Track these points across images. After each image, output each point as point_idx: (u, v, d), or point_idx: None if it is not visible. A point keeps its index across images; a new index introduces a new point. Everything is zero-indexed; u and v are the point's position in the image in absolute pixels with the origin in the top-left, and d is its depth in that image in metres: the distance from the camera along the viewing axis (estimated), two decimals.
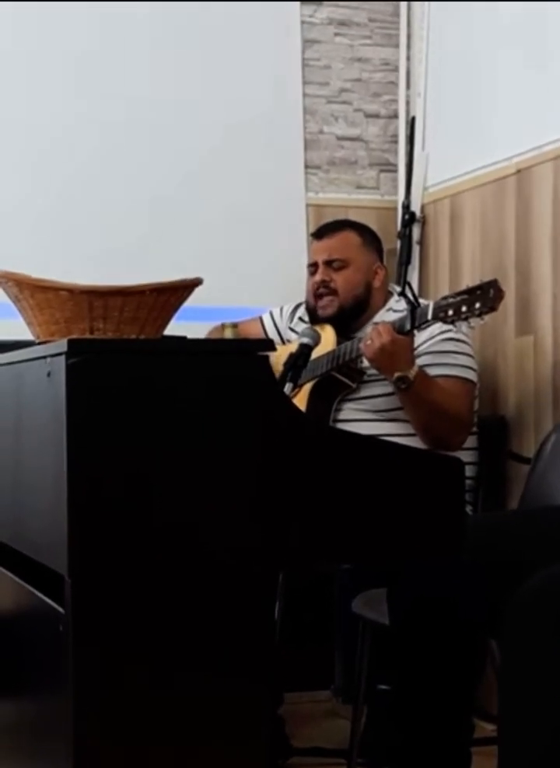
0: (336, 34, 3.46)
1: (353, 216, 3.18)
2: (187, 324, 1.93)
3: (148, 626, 1.57)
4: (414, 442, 2.58)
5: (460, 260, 3.20)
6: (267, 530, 1.61)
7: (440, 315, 2.39)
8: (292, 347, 2.50)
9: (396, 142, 3.51)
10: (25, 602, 1.78)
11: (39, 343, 1.76)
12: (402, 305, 2.68)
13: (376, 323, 2.63)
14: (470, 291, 2.36)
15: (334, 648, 2.91)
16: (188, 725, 1.60)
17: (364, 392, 2.72)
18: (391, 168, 3.51)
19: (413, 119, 3.44)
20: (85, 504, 1.53)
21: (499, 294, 2.31)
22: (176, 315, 1.81)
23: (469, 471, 2.68)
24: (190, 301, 1.84)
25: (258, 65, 3.37)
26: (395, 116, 3.51)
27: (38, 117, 3.18)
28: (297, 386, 2.46)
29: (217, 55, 3.32)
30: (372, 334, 2.49)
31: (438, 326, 2.58)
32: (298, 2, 3.41)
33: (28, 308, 1.76)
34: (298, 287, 3.06)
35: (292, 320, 3.00)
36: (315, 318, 2.84)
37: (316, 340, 2.48)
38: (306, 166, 3.43)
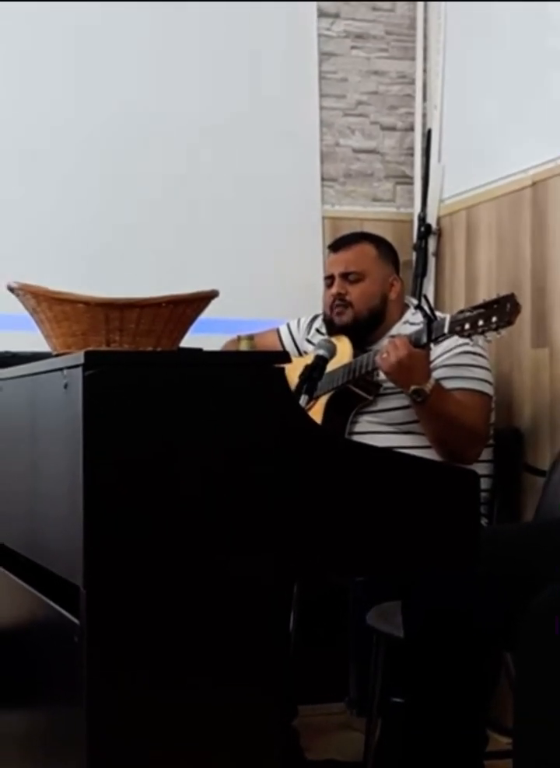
0: (353, 47, 3.47)
1: (369, 228, 3.19)
2: (203, 336, 1.94)
3: (163, 637, 1.57)
4: (430, 455, 2.58)
5: (475, 272, 3.20)
6: (282, 542, 1.61)
7: (457, 328, 2.39)
8: (308, 360, 2.51)
9: (412, 155, 3.51)
10: (40, 613, 1.78)
11: (56, 356, 1.77)
12: (418, 317, 2.68)
13: (393, 336, 2.63)
14: (486, 305, 2.36)
15: (348, 661, 2.91)
16: (202, 737, 1.59)
17: (380, 405, 2.72)
18: (407, 180, 3.51)
19: (429, 131, 3.45)
20: (100, 515, 1.54)
21: (516, 309, 2.31)
22: (193, 327, 1.82)
23: (484, 483, 2.67)
24: (207, 314, 1.84)
25: (275, 78, 3.38)
26: (411, 128, 3.52)
27: (53, 132, 3.19)
28: (313, 398, 2.47)
29: (234, 67, 3.33)
30: (389, 348, 2.49)
31: (455, 339, 2.58)
32: (315, 15, 3.42)
33: (45, 321, 1.77)
34: (314, 299, 3.07)
35: (309, 332, 3.01)
36: (332, 330, 2.85)
37: (332, 352, 2.48)
38: (323, 179, 3.44)
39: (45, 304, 1.74)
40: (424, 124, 3.49)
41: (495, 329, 2.33)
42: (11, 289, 1.81)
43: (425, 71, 3.51)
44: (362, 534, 1.66)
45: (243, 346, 2.16)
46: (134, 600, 1.56)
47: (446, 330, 2.42)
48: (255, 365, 1.65)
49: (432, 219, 3.37)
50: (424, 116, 3.49)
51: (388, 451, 1.90)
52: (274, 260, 3.33)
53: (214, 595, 1.59)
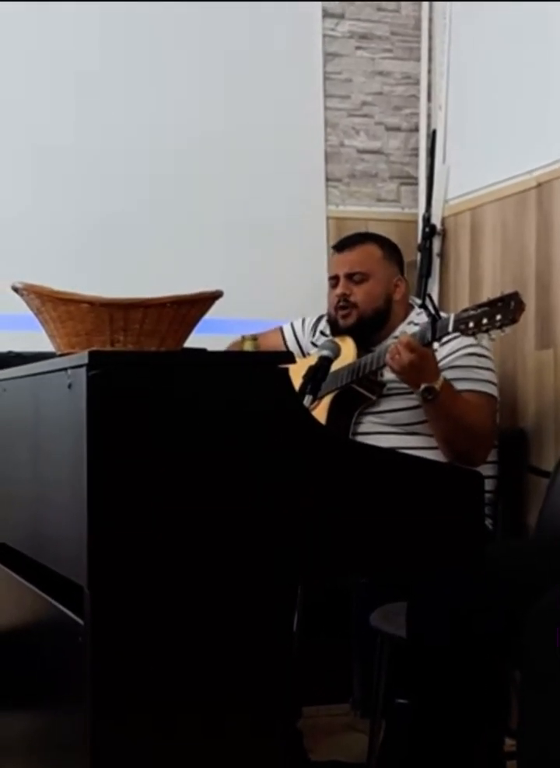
0: (357, 48, 3.47)
1: (374, 229, 3.18)
2: (207, 336, 1.94)
3: (167, 638, 1.57)
4: (435, 456, 2.58)
5: (480, 272, 3.20)
6: (286, 543, 1.61)
7: (461, 327, 2.39)
8: (313, 360, 2.50)
9: (417, 155, 3.51)
10: (44, 613, 1.78)
11: (60, 355, 1.77)
12: (423, 317, 2.68)
13: (397, 337, 2.63)
14: (491, 304, 2.35)
15: (352, 662, 2.90)
16: (206, 737, 1.59)
17: (384, 406, 2.71)
18: (412, 181, 3.51)
19: (434, 132, 3.45)
20: (104, 515, 1.54)
21: (520, 307, 2.31)
22: (197, 327, 1.82)
23: (489, 485, 2.67)
24: (211, 314, 1.84)
25: (279, 78, 3.38)
26: (416, 129, 3.51)
27: (59, 133, 3.19)
28: (317, 399, 2.46)
29: (238, 68, 3.33)
30: (399, 347, 2.47)
31: (460, 341, 2.57)
32: (320, 15, 3.42)
33: (49, 321, 1.77)
34: (318, 299, 3.07)
35: (313, 333, 3.00)
36: (336, 331, 2.84)
37: (336, 352, 2.48)
38: (327, 179, 3.44)
39: (49, 304, 1.74)
40: (428, 125, 3.49)
41: (500, 328, 2.32)
42: (15, 289, 1.81)
43: (429, 71, 3.50)
44: (366, 535, 1.66)
45: (247, 346, 2.16)
46: (138, 601, 1.56)
47: (450, 329, 2.42)
48: (259, 366, 1.65)
49: (436, 220, 3.37)
50: (429, 116, 3.49)
51: (392, 452, 1.90)
52: (279, 260, 3.33)
53: (218, 595, 1.59)
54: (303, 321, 3.05)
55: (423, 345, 2.48)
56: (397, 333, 2.78)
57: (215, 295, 1.79)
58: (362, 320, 2.80)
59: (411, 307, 2.88)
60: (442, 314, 2.52)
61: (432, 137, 3.45)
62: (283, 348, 2.95)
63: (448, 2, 3.42)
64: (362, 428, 2.73)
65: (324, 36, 3.43)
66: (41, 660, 1.83)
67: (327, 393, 2.69)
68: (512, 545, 2.26)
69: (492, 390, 2.68)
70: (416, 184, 3.50)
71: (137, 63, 3.27)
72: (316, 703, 2.88)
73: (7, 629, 2.04)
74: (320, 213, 3.41)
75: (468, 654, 2.00)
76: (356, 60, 3.47)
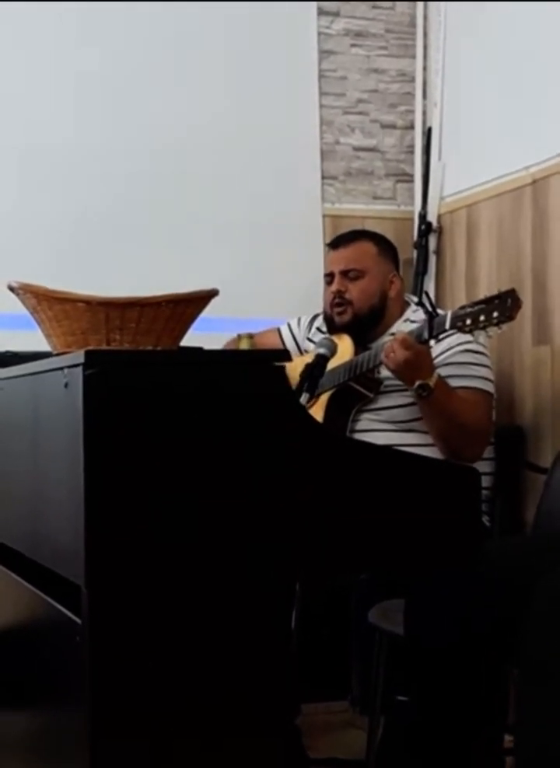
0: (352, 45, 3.47)
1: (369, 226, 3.19)
2: (203, 335, 1.94)
3: (165, 636, 1.57)
4: (431, 453, 2.58)
5: (476, 269, 3.20)
6: (284, 540, 1.61)
7: (458, 324, 2.39)
8: (309, 358, 2.50)
9: (412, 153, 3.51)
10: (42, 612, 1.78)
11: (56, 355, 1.77)
12: (419, 315, 2.68)
13: (394, 334, 2.63)
14: (487, 301, 2.35)
15: (351, 659, 2.91)
16: (204, 735, 1.59)
17: (381, 403, 2.71)
18: (407, 178, 3.51)
19: (429, 129, 3.45)
20: (102, 514, 1.54)
21: (517, 304, 2.31)
22: (193, 326, 1.82)
23: (486, 481, 2.67)
24: (207, 312, 1.84)
25: (275, 76, 3.38)
26: (411, 126, 3.51)
27: (54, 131, 3.20)
28: (314, 397, 2.46)
29: (233, 66, 3.33)
30: (394, 345, 2.48)
31: (456, 338, 2.58)
32: (314, 13, 3.42)
33: (46, 320, 1.77)
34: (314, 297, 3.07)
35: (309, 331, 3.01)
36: (332, 328, 2.84)
37: (333, 350, 2.48)
38: (323, 177, 3.44)
39: (45, 303, 1.74)
40: (424, 122, 3.49)
41: (497, 325, 2.32)
42: (11, 288, 1.81)
43: (425, 68, 3.50)
44: (363, 532, 1.66)
45: (244, 344, 2.16)
46: (135, 599, 1.56)
47: (447, 326, 2.42)
48: (256, 364, 1.65)
49: (432, 217, 3.37)
50: (424, 114, 3.49)
51: (389, 449, 1.91)
52: (275, 258, 3.33)
53: (216, 593, 1.59)
54: (299, 320, 3.05)
55: (420, 342, 2.49)
56: (393, 330, 2.78)
57: (211, 294, 1.80)
58: (357, 317, 2.80)
59: (407, 304, 2.88)
60: (439, 311, 2.52)
61: (428, 134, 3.45)
62: (280, 348, 2.95)
63: (443, 1, 3.42)
64: (359, 426, 2.73)
65: (319, 33, 3.43)
66: (39, 659, 1.83)
67: (325, 391, 2.69)
68: (509, 542, 2.26)
69: (488, 387, 2.68)
70: (412, 181, 3.50)
71: (133, 61, 3.27)
72: (314, 701, 2.88)
73: (5, 628, 2.04)
74: (316, 211, 3.41)
75: (466, 653, 2.01)
76: (351, 57, 3.47)
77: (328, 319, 2.87)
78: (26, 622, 1.92)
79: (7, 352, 2.72)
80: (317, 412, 2.68)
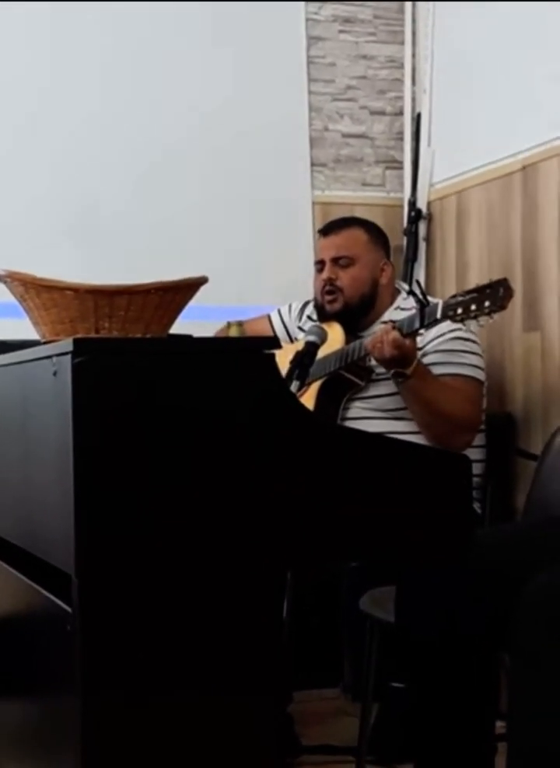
0: (341, 31, 3.46)
1: (359, 213, 3.18)
2: (192, 323, 1.93)
3: (156, 626, 1.57)
4: (421, 441, 2.58)
5: (466, 256, 3.20)
6: (275, 528, 1.61)
7: (450, 313, 2.39)
8: (299, 346, 2.50)
9: (402, 139, 3.50)
10: (32, 602, 1.78)
11: (44, 343, 1.76)
12: (410, 303, 2.68)
13: (385, 322, 2.63)
14: (479, 290, 2.35)
15: (342, 646, 2.91)
16: (197, 724, 1.59)
17: (372, 391, 2.71)
18: (397, 165, 3.50)
19: (419, 116, 3.44)
20: (91, 502, 1.53)
21: (509, 293, 2.31)
22: (182, 314, 1.81)
23: (477, 468, 2.67)
24: (196, 300, 1.83)
25: (263, 63, 3.36)
26: (401, 113, 3.51)
27: (43, 118, 3.19)
28: (305, 384, 2.46)
29: (221, 53, 3.32)
30: (383, 345, 2.47)
31: (446, 325, 2.57)
32: (302, 0, 3.41)
33: (33, 308, 1.76)
34: (304, 285, 3.06)
35: (300, 318, 3.00)
36: (323, 315, 2.84)
37: (323, 338, 2.48)
38: (312, 164, 3.43)
39: (33, 291, 1.73)
40: (413, 109, 3.48)
41: (488, 314, 2.32)
42: None
43: (413, 55, 3.49)
44: (354, 520, 1.66)
45: (233, 332, 2.16)
46: (126, 588, 1.56)
47: (438, 315, 2.42)
48: (245, 352, 1.64)
49: (422, 204, 3.37)
50: (413, 100, 3.48)
51: (380, 437, 1.90)
52: (264, 245, 3.32)
53: (207, 582, 1.59)
54: (290, 306, 3.05)
55: (412, 332, 2.48)
56: (384, 318, 2.77)
57: (200, 281, 1.79)
58: (348, 305, 2.80)
59: (397, 292, 2.87)
60: (430, 299, 2.52)
61: (417, 120, 3.44)
62: (270, 335, 2.95)
63: None
64: (350, 414, 2.73)
65: (307, 19, 3.42)
66: (30, 649, 1.83)
67: (316, 380, 2.69)
68: (500, 529, 2.25)
69: (478, 374, 2.68)
70: (401, 168, 3.49)
71: (120, 50, 3.25)
72: (306, 688, 2.88)
73: None
74: (305, 198, 3.40)
75: (457, 642, 2.00)
76: (340, 44, 3.46)
77: (319, 307, 2.87)
78: (17, 611, 1.92)
79: None
80: (308, 400, 2.67)
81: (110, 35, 3.25)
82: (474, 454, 2.61)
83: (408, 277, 3.30)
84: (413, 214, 3.36)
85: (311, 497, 1.63)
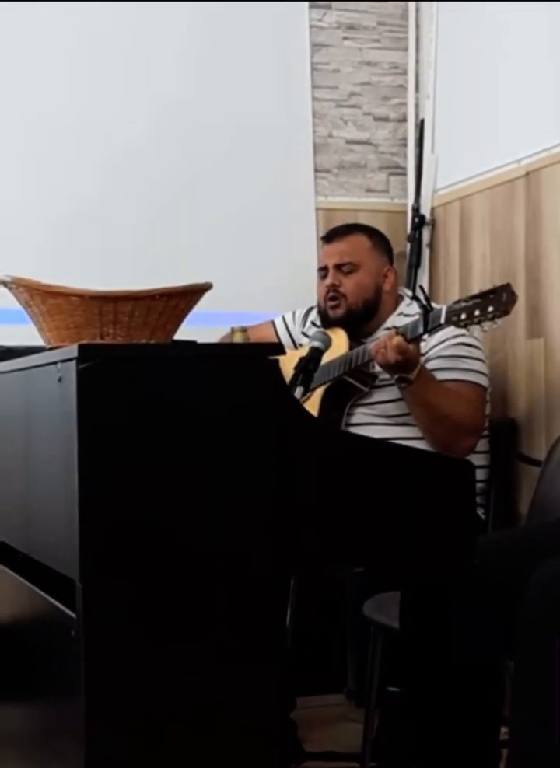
0: (345, 38, 3.46)
1: (363, 219, 3.18)
2: (197, 329, 1.93)
3: (160, 631, 1.57)
4: (424, 446, 2.58)
5: (470, 262, 3.20)
6: (279, 534, 1.61)
7: (453, 319, 2.39)
8: (303, 352, 2.50)
9: (405, 145, 3.51)
10: (36, 607, 1.78)
11: (49, 349, 1.76)
12: (414, 308, 2.68)
13: (389, 328, 2.63)
14: (483, 295, 2.36)
15: (346, 652, 2.91)
16: (200, 729, 1.59)
17: (376, 397, 2.72)
18: (401, 171, 3.51)
19: (422, 122, 3.45)
20: (96, 508, 1.53)
21: (512, 299, 2.31)
22: (187, 320, 1.81)
23: (480, 474, 2.67)
24: (200, 306, 1.84)
25: (267, 69, 3.37)
26: (404, 119, 3.51)
27: (46, 123, 3.19)
28: (309, 390, 2.46)
29: (225, 59, 3.32)
30: (387, 351, 2.48)
31: (450, 330, 2.58)
32: (306, 6, 3.41)
33: (39, 314, 1.76)
34: (308, 291, 3.07)
35: (304, 324, 3.00)
36: (327, 321, 2.84)
37: (327, 343, 2.48)
38: (316, 170, 3.44)
39: (38, 297, 1.74)
40: (417, 115, 3.48)
41: (492, 319, 2.33)
42: (4, 283, 1.80)
43: (417, 61, 3.50)
44: (358, 525, 1.66)
45: (237, 338, 2.16)
46: (130, 594, 1.56)
47: (442, 320, 2.42)
48: (249, 358, 1.65)
49: (425, 210, 3.37)
50: (417, 106, 3.49)
51: (385, 442, 1.90)
52: (268, 252, 3.32)
53: (210, 587, 1.59)
54: (294, 313, 3.05)
55: (415, 338, 2.49)
56: (387, 324, 2.78)
57: (205, 288, 1.79)
58: (351, 311, 2.80)
59: (401, 298, 2.88)
60: (434, 305, 2.52)
61: (421, 127, 3.44)
62: (274, 341, 2.95)
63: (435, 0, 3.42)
64: (353, 420, 2.73)
65: (311, 26, 3.42)
66: (35, 654, 1.83)
67: (319, 385, 2.69)
68: (503, 535, 2.25)
69: (481, 380, 2.68)
70: (405, 174, 3.49)
71: (124, 54, 3.26)
72: (310, 694, 2.88)
73: (0, 623, 2.04)
74: (309, 204, 3.41)
75: (461, 648, 2.00)
76: (344, 50, 3.47)
77: (322, 313, 2.87)
78: (22, 617, 1.92)
79: (0, 347, 2.71)
80: (312, 406, 2.67)
81: (110, 37, 3.25)
82: (477, 460, 2.62)
83: (412, 283, 3.30)
84: (416, 220, 3.36)
85: (315, 502, 1.63)
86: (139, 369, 1.57)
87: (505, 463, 2.84)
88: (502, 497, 2.79)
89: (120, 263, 3.13)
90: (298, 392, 2.31)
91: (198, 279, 1.80)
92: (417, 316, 2.52)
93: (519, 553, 2.01)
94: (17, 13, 3.14)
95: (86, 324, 1.71)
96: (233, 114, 3.32)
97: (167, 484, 1.57)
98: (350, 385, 2.71)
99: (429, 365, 2.63)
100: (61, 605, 1.64)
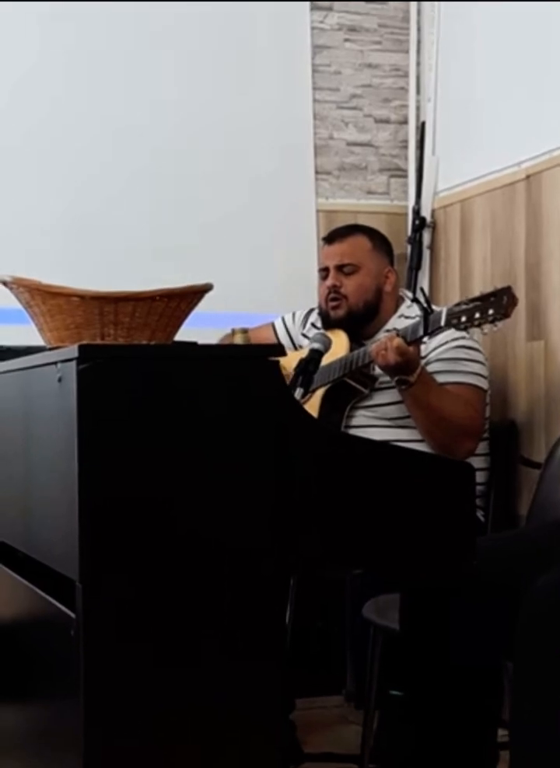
0: (346, 40, 3.47)
1: (363, 221, 3.18)
2: (197, 330, 1.94)
3: (159, 631, 1.57)
4: (425, 449, 2.58)
5: (470, 264, 3.20)
6: (279, 535, 1.61)
7: (453, 321, 2.39)
8: (303, 353, 2.50)
9: (406, 147, 3.51)
10: (36, 607, 1.78)
11: (50, 349, 1.76)
12: (414, 310, 2.68)
13: (389, 331, 2.63)
14: (483, 298, 2.36)
15: (346, 653, 2.91)
16: (199, 731, 1.59)
17: (376, 399, 2.72)
18: (401, 173, 3.51)
19: (423, 124, 3.45)
20: (96, 508, 1.53)
21: (513, 301, 2.32)
22: (187, 321, 1.82)
23: (480, 476, 2.67)
24: (201, 307, 1.84)
25: (268, 71, 3.37)
26: (405, 121, 3.51)
27: (46, 124, 3.19)
28: (309, 392, 2.46)
29: (227, 61, 3.33)
30: (388, 353, 2.48)
31: (450, 333, 2.58)
32: (308, 8, 3.41)
33: (39, 314, 1.76)
34: (309, 292, 3.07)
35: (304, 326, 3.00)
36: (327, 323, 2.84)
37: (327, 345, 2.48)
38: (317, 172, 3.44)
39: (39, 298, 1.74)
40: (418, 117, 3.48)
41: (492, 322, 2.33)
42: (4, 283, 1.81)
43: (418, 63, 3.50)
44: (358, 527, 1.66)
45: (238, 339, 2.15)
46: (129, 594, 1.56)
47: (442, 323, 2.42)
48: (250, 359, 1.65)
49: (426, 212, 3.37)
50: (418, 108, 3.49)
51: (385, 444, 1.91)
52: (269, 253, 3.33)
53: (210, 588, 1.59)
54: (294, 315, 3.05)
55: (415, 340, 2.49)
56: (388, 326, 2.78)
57: (205, 289, 1.79)
58: (352, 312, 2.80)
59: (401, 299, 2.88)
60: (434, 307, 2.52)
61: (422, 129, 3.44)
62: (274, 343, 2.95)
63: (436, 1, 3.42)
64: (354, 422, 2.73)
65: (313, 28, 3.43)
66: (34, 654, 1.83)
67: (320, 387, 2.69)
68: (503, 538, 2.25)
69: (481, 383, 2.68)
70: (406, 176, 3.50)
71: (125, 58, 3.26)
72: (309, 695, 2.88)
73: (0, 623, 2.04)
74: (309, 206, 3.41)
75: (460, 650, 2.00)
76: (345, 52, 3.47)
77: (323, 314, 2.87)
78: (21, 617, 1.92)
79: (0, 347, 2.71)
80: (312, 408, 2.67)
81: (111, 38, 3.25)
82: (477, 462, 2.62)
83: (412, 285, 3.31)
84: (417, 222, 3.36)
85: (315, 504, 1.63)
86: (139, 370, 1.57)
87: (505, 465, 2.84)
88: (502, 500, 2.79)
89: (120, 264, 3.13)
90: (297, 393, 2.31)
91: (199, 280, 1.80)
92: (417, 318, 2.52)
93: (518, 556, 2.00)
94: (17, 13, 3.14)
95: (87, 324, 1.71)
96: (234, 115, 3.32)
97: (167, 485, 1.57)
98: (350, 387, 2.71)
99: (429, 368, 2.63)
100: (60, 605, 1.64)
